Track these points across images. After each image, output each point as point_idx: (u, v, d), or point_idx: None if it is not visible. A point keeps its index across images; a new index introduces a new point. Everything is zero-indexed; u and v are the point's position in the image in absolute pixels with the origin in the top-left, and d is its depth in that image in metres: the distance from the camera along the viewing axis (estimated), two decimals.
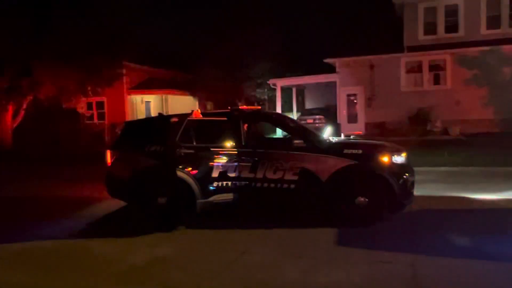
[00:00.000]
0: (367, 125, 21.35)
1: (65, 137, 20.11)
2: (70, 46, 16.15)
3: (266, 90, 26.23)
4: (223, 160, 6.52)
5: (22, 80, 16.88)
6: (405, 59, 20.97)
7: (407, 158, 6.64)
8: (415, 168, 6.84)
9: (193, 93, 24.88)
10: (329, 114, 21.69)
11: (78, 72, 17.16)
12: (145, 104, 25.52)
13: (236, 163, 6.50)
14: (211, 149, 6.59)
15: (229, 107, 7.47)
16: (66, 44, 16.07)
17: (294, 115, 23.78)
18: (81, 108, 22.81)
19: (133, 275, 4.84)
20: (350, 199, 6.20)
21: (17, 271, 5.09)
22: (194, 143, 6.66)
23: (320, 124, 19.67)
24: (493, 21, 20.28)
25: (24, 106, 18.56)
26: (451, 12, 20.88)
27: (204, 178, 6.45)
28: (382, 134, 19.26)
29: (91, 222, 7.27)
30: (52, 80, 16.89)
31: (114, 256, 5.45)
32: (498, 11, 20.22)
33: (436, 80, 20.69)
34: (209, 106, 25.51)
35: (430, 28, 21.11)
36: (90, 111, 24.23)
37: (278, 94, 23.64)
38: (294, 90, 25.45)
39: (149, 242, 5.94)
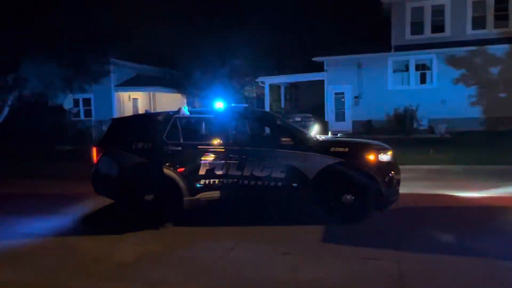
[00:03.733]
0: (354, 123, 21.52)
1: (51, 134, 19.88)
2: (56, 42, 15.95)
3: (254, 88, 26.23)
4: (210, 157, 6.51)
5: (7, 75, 16.64)
6: (392, 58, 21.18)
7: (393, 156, 6.71)
8: (401, 166, 6.92)
9: (181, 91, 24.78)
10: (317, 112, 21.78)
11: (65, 68, 16.94)
12: (133, 101, 25.36)
13: (223, 161, 6.49)
14: (198, 146, 6.58)
15: (216, 105, 7.45)
16: (52, 39, 15.87)
17: (282, 113, 23.82)
18: (68, 104, 22.55)
19: (121, 272, 4.82)
20: (336, 196, 6.24)
21: (3, 269, 5.04)
22: (181, 141, 6.64)
23: (308, 122, 19.73)
24: (479, 22, 20.57)
25: (9, 102, 18.29)
26: (438, 12, 21.11)
27: (191, 176, 6.44)
28: (369, 132, 19.43)
29: (77, 220, 7.21)
30: (38, 76, 16.67)
31: (101, 254, 5.42)
32: (483, 12, 20.50)
33: (423, 79, 20.96)
34: (197, 103, 25.43)
35: (417, 28, 21.33)
36: (77, 108, 23.97)
37: (267, 92, 23.66)
38: (282, 88, 25.49)
39: (136, 239, 5.92)
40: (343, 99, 22.14)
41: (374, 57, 21.31)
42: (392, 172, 6.46)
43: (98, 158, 6.87)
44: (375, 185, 6.20)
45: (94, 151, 6.94)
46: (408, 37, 21.37)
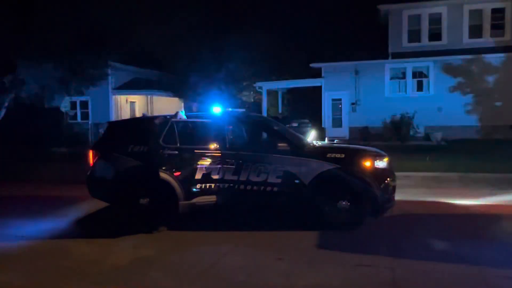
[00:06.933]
0: (351, 129, 21.57)
1: (47, 136, 19.83)
2: (54, 44, 15.95)
3: (252, 93, 26.30)
4: (206, 162, 6.52)
5: (4, 77, 16.61)
6: (389, 65, 21.27)
7: (389, 163, 6.73)
8: (397, 173, 6.94)
9: (178, 95, 24.79)
10: (314, 118, 21.85)
11: (62, 71, 16.93)
12: (130, 104, 25.33)
13: (219, 165, 6.50)
14: (195, 151, 6.58)
15: (213, 109, 7.46)
16: (50, 42, 15.87)
17: (279, 119, 23.86)
18: (64, 107, 22.50)
19: (115, 276, 4.81)
20: (332, 202, 6.26)
21: None
22: (178, 145, 6.64)
23: (305, 128, 19.77)
24: (475, 30, 20.71)
25: (6, 103, 18.26)
26: (435, 20, 21.25)
27: (187, 180, 6.44)
28: (366, 138, 19.47)
29: (72, 223, 7.19)
30: (35, 78, 16.65)
31: (96, 257, 5.41)
32: (480, 21, 20.65)
33: (420, 87, 21.05)
34: (195, 107, 25.43)
35: (414, 36, 21.44)
36: (74, 111, 23.94)
37: (264, 97, 23.72)
38: (279, 93, 25.55)
39: (131, 243, 5.91)
40: (340, 106, 22.20)
41: (371, 64, 21.41)
42: (388, 178, 6.47)
43: (94, 161, 6.86)
44: (371, 191, 6.22)
45: (90, 154, 6.93)
46: (405, 44, 21.47)
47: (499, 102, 19.78)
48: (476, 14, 20.68)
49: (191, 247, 5.76)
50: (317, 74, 22.64)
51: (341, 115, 22.15)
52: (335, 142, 7.88)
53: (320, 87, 22.23)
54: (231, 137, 6.90)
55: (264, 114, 22.74)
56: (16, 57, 15.98)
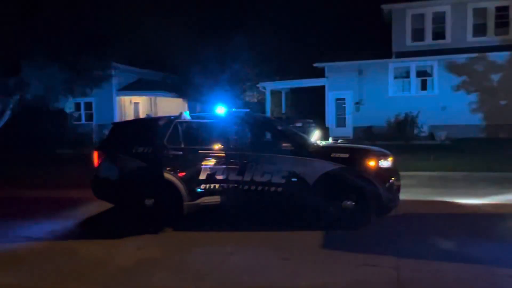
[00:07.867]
0: (355, 129, 21.53)
1: (52, 137, 19.91)
2: (58, 45, 16.01)
3: (255, 93, 26.29)
4: (211, 162, 6.53)
5: (9, 79, 16.69)
6: (393, 64, 21.22)
7: (393, 162, 6.72)
8: (401, 173, 6.93)
9: (182, 95, 24.83)
10: (318, 118, 21.82)
11: (66, 72, 16.99)
12: (134, 105, 25.40)
13: (224, 166, 6.51)
14: (199, 151, 6.60)
15: (217, 110, 7.47)
16: (54, 43, 15.94)
17: (283, 119, 23.83)
18: (69, 108, 22.60)
19: (120, 277, 4.82)
20: (336, 202, 6.25)
21: (3, 273, 5.04)
22: (182, 145, 6.65)
23: (309, 128, 19.73)
24: (480, 29, 20.63)
25: (11, 105, 18.34)
26: (439, 19, 21.19)
27: (192, 180, 6.45)
28: (370, 138, 19.42)
29: (77, 224, 7.21)
30: (39, 79, 16.72)
31: (101, 258, 5.42)
32: (484, 19, 20.57)
33: (423, 86, 20.99)
34: (198, 108, 25.47)
35: (418, 35, 21.39)
36: (78, 112, 24.03)
37: (268, 97, 23.71)
38: (283, 93, 25.54)
39: (136, 243, 5.92)
40: (344, 105, 22.17)
41: (375, 64, 21.37)
42: (392, 178, 6.46)
43: (98, 162, 6.88)
44: (375, 191, 6.21)
45: (95, 155, 6.96)
46: (409, 43, 21.42)
47: (503, 100, 19.70)
48: (480, 12, 20.60)
49: (196, 247, 5.77)
50: (320, 73, 22.61)
51: (344, 114, 22.12)
52: (339, 141, 7.87)
53: (323, 87, 22.21)
54: (235, 137, 6.90)
55: (268, 114, 22.74)
56: (21, 59, 16.06)
